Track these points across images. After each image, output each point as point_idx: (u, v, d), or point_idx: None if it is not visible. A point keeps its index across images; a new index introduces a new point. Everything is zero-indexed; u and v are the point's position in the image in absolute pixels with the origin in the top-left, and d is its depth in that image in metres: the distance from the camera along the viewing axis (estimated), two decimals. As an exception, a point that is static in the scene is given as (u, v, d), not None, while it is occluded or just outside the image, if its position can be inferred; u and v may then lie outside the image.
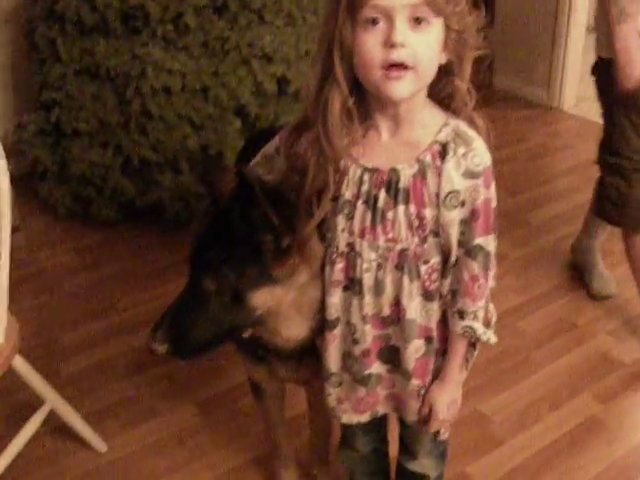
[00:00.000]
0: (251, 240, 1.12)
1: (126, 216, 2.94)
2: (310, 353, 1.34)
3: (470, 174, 1.07)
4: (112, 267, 2.78)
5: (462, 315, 1.16)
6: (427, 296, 1.16)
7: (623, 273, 2.53)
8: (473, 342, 1.24)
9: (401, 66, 1.00)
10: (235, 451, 1.94)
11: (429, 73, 1.05)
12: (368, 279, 1.15)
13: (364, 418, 1.34)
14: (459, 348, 1.22)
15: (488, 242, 1.13)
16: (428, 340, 1.20)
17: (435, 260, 1.14)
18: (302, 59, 2.80)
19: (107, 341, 2.37)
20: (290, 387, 1.67)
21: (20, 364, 1.69)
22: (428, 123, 1.10)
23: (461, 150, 1.07)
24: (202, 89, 2.62)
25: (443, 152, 1.07)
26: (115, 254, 2.86)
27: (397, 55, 0.99)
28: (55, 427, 1.95)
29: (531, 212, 3.02)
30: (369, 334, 1.19)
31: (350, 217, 1.13)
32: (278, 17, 2.70)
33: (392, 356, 1.23)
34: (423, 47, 1.01)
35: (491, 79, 4.15)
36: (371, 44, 1.01)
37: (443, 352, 1.24)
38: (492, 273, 1.17)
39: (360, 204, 1.11)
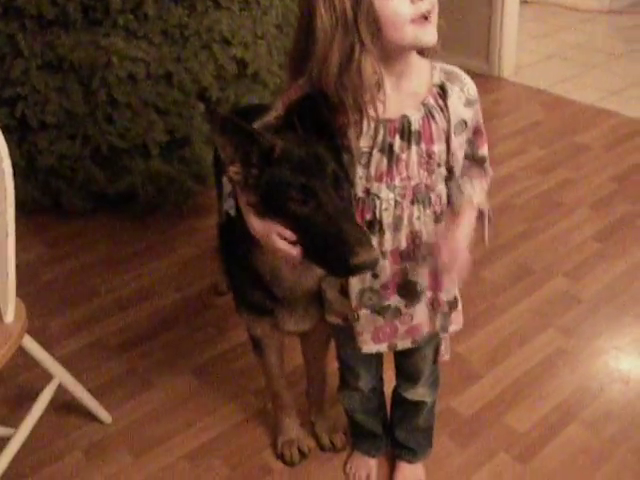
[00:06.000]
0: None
1: (98, 205, 2.99)
2: (316, 302, 1.48)
3: (469, 102, 1.28)
4: (87, 256, 2.83)
5: (462, 190, 1.35)
6: (436, 219, 1.33)
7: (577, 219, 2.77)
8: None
9: (424, 18, 1.15)
10: (236, 408, 2.05)
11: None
12: (387, 217, 1.30)
13: (383, 348, 1.46)
14: (464, 206, 1.35)
15: (486, 150, 1.37)
16: (435, 257, 1.34)
17: (440, 187, 1.32)
18: (258, 41, 2.91)
19: (95, 323, 2.44)
20: (287, 342, 1.80)
21: (29, 342, 1.75)
22: (421, 72, 1.26)
23: (457, 86, 1.26)
24: (166, 75, 2.70)
25: (442, 92, 1.25)
26: (89, 243, 2.90)
27: (425, 7, 1.14)
28: (59, 404, 2.02)
29: (483, 173, 3.20)
30: (388, 268, 1.34)
31: (366, 165, 1.27)
32: (233, 2, 2.80)
33: (409, 290, 1.38)
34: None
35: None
36: (396, 4, 1.13)
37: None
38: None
39: (376, 152, 1.25)
